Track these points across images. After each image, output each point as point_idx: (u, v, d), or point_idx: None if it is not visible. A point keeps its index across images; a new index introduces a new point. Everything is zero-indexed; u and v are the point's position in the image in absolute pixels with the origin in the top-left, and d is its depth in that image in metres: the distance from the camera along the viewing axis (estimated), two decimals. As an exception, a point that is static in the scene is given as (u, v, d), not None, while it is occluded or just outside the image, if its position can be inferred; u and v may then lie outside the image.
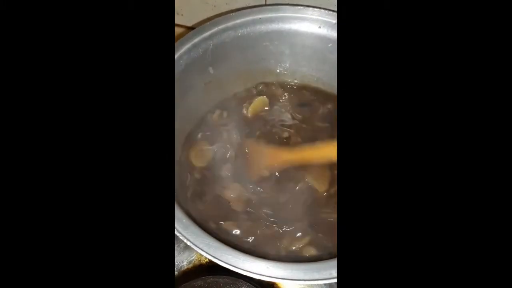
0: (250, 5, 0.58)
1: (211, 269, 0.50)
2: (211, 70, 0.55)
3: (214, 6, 0.61)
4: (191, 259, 0.52)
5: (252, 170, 0.52)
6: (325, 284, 0.49)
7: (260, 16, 0.53)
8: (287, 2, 0.57)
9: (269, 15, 0.53)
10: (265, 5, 0.57)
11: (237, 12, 0.53)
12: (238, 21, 0.53)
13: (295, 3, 0.56)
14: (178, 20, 0.64)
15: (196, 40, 0.52)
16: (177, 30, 0.65)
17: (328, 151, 0.46)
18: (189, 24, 0.65)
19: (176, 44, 0.51)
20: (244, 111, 0.57)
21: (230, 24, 0.53)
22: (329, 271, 0.37)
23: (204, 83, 0.56)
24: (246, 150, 0.54)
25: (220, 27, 0.53)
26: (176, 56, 0.50)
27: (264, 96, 0.58)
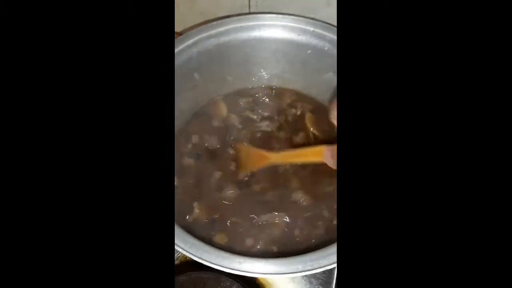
0: (235, 12, 0.61)
1: (196, 265, 0.53)
2: (196, 75, 0.58)
3: (201, 13, 0.64)
4: (178, 255, 0.54)
5: (242, 168, 0.56)
6: (302, 277, 0.53)
7: (241, 24, 0.55)
8: (270, 10, 0.59)
9: (250, 23, 0.55)
10: (249, 13, 0.59)
11: (220, 21, 0.55)
12: (221, 29, 0.55)
13: (278, 11, 0.59)
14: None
15: (181, 47, 0.54)
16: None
17: (310, 155, 0.49)
18: (177, 30, 0.67)
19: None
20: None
21: (213, 32, 0.55)
22: (295, 266, 0.40)
23: (189, 88, 0.58)
24: (233, 152, 0.57)
25: (204, 34, 0.55)
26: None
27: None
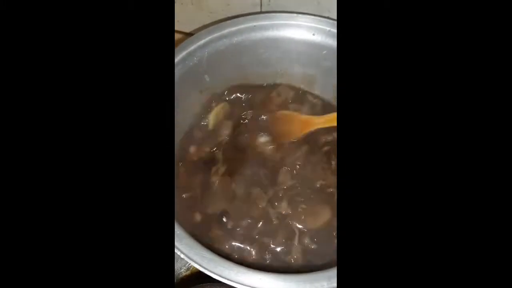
0: (245, 12, 0.59)
1: (209, 276, 0.51)
2: (206, 78, 0.56)
3: (211, 12, 0.62)
4: (189, 266, 0.52)
5: (282, 136, 0.54)
6: None
7: (254, 23, 0.54)
8: (282, 9, 0.57)
9: (264, 22, 0.54)
10: (260, 12, 0.57)
11: (232, 20, 0.54)
12: (233, 28, 0.53)
13: (291, 10, 0.56)
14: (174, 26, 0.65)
15: (191, 48, 0.52)
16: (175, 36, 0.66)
17: None
18: (186, 30, 0.65)
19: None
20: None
21: (225, 32, 0.53)
22: (321, 283, 0.38)
23: (199, 91, 0.56)
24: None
25: (215, 35, 0.53)
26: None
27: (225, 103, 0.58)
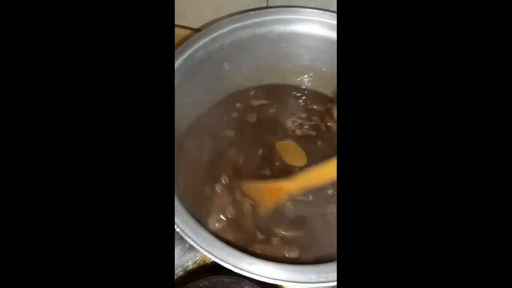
0: (250, 7, 0.59)
1: (216, 268, 0.51)
2: (226, 65, 0.56)
3: (215, 7, 0.62)
4: (196, 259, 0.52)
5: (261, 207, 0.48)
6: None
7: (280, 16, 0.54)
8: (289, 4, 0.57)
9: (289, 16, 0.54)
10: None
11: (257, 11, 0.54)
12: (257, 20, 0.54)
13: (296, 4, 0.57)
14: (180, 21, 0.65)
15: (214, 34, 0.53)
16: (179, 31, 0.66)
17: (328, 171, 0.42)
18: (192, 26, 0.65)
19: (195, 37, 0.53)
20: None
21: (248, 22, 0.54)
22: (329, 274, 0.38)
23: (218, 78, 0.57)
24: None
25: (239, 24, 0.54)
26: (193, 49, 0.52)
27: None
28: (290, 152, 0.51)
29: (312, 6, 0.55)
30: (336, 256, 0.40)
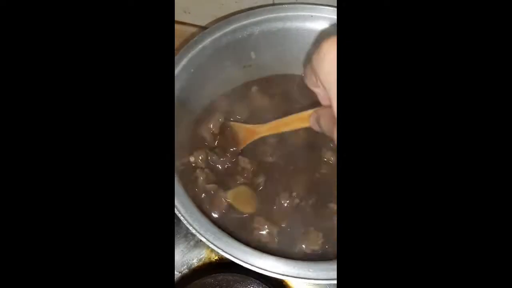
0: (257, 4, 0.59)
1: (221, 266, 0.51)
2: (253, 54, 0.57)
3: (222, 4, 0.62)
4: (201, 256, 0.52)
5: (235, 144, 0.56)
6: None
7: (312, 13, 0.55)
8: (299, 1, 0.57)
9: (322, 14, 0.55)
10: (273, 4, 0.57)
11: (289, 5, 0.55)
12: (290, 13, 0.55)
13: (305, 2, 0.57)
14: (185, 18, 0.65)
15: (245, 22, 0.54)
16: (184, 28, 0.66)
17: (295, 121, 0.49)
18: (196, 23, 0.65)
19: (224, 21, 0.54)
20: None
21: (281, 14, 0.55)
22: (333, 272, 0.38)
23: (243, 66, 0.58)
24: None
25: (271, 15, 0.55)
26: (220, 33, 0.54)
27: None
28: None
29: (321, 2, 0.55)
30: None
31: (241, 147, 0.55)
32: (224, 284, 0.47)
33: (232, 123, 0.56)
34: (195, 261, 0.52)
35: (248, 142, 0.55)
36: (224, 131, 0.56)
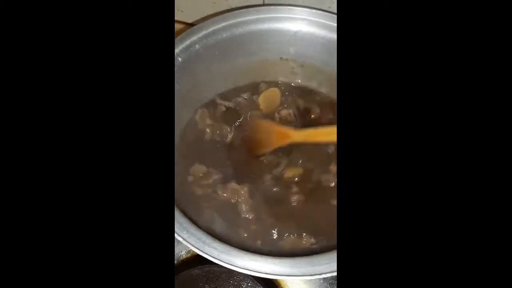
0: (249, 3, 0.60)
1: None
2: (291, 50, 0.60)
3: (214, 3, 0.63)
4: (189, 248, 0.54)
5: (257, 146, 0.54)
6: (323, 279, 0.52)
7: (316, 19, 0.57)
8: (284, 2, 0.58)
9: (322, 20, 0.57)
10: (263, 4, 0.58)
11: (302, 8, 0.57)
12: (279, 15, 0.57)
13: (291, 3, 0.58)
14: (178, 16, 0.65)
15: (294, 15, 0.56)
16: (177, 26, 0.66)
17: (328, 133, 0.48)
18: (189, 21, 0.66)
19: (231, 14, 0.56)
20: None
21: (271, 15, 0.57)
22: (322, 267, 0.40)
23: (280, 57, 0.61)
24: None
25: (260, 16, 0.57)
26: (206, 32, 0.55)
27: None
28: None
29: (305, 4, 0.56)
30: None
31: (267, 150, 0.52)
32: (211, 275, 0.49)
33: (257, 120, 0.55)
34: (183, 253, 0.54)
35: (277, 146, 0.51)
36: (244, 128, 0.54)
